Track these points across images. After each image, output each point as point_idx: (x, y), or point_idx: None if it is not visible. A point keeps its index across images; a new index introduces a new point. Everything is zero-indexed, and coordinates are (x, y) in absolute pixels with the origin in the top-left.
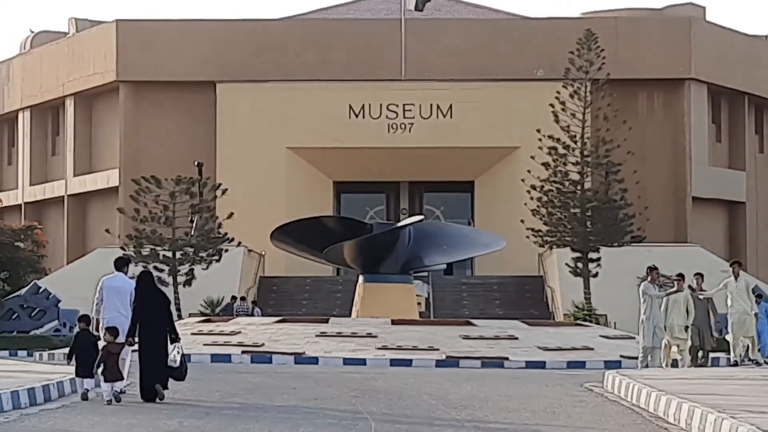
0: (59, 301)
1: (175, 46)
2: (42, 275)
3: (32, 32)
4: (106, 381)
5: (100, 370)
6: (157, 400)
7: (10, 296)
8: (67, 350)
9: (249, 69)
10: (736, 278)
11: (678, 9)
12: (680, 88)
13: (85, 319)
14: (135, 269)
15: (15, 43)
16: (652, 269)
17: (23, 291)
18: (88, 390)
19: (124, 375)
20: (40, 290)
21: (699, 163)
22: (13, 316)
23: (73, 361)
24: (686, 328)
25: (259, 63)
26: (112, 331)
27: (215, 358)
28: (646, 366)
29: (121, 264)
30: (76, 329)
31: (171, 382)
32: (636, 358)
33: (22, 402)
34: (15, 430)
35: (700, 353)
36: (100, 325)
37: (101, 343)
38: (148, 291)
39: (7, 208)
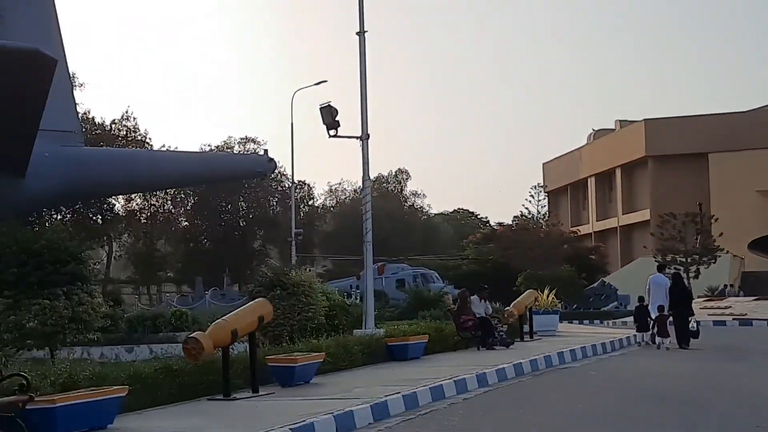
0: (617, 290)
1: (684, 132)
2: (606, 275)
3: (594, 130)
4: (658, 336)
5: (654, 330)
6: (684, 347)
7: (587, 288)
8: (623, 320)
9: (737, 141)
10: None
11: None
12: None
13: (641, 299)
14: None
15: (583, 137)
16: None
17: (594, 285)
18: (641, 342)
19: (670, 334)
20: (605, 284)
21: None
22: (590, 300)
23: (633, 324)
24: None
25: (745, 136)
26: (660, 308)
27: (714, 323)
28: None
29: (660, 268)
30: (636, 305)
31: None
32: None
33: (598, 351)
34: (600, 366)
35: None
36: (649, 305)
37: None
38: (679, 284)
39: (584, 236)
